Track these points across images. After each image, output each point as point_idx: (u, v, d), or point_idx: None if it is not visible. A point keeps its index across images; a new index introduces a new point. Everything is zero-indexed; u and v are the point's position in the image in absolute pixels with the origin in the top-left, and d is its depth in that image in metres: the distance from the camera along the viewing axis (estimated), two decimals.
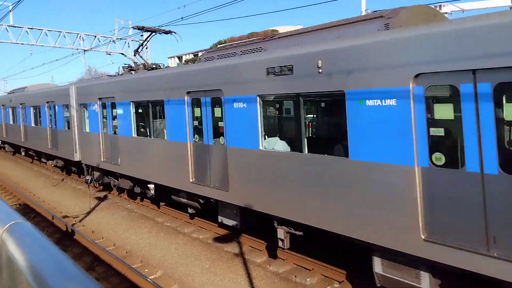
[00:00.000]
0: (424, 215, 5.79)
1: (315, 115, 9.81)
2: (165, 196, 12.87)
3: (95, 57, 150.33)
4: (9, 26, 24.59)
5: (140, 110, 13.18)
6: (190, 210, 11.60)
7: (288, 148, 8.31)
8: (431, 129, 5.74)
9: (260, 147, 8.40)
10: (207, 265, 9.34)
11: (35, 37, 25.65)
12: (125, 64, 15.83)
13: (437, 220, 5.66)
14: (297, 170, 7.65)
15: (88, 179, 15.23)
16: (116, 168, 14.18)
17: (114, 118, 14.09)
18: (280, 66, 7.75)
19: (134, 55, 14.74)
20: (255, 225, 9.74)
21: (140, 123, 13.30)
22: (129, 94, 12.93)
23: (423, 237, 5.79)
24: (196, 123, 10.40)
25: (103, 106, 14.73)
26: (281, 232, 8.46)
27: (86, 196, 15.79)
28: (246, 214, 9.38)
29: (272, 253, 9.57)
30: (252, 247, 10.14)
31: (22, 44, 25.70)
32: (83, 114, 16.54)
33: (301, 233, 8.14)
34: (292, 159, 7.78)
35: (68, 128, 17.87)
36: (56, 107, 19.01)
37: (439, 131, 5.76)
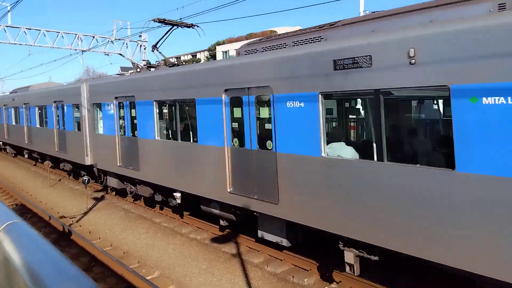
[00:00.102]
0: None
1: (399, 116, 8.09)
2: (191, 205, 11.84)
3: (93, 58, 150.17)
4: (7, 26, 24.53)
5: (165, 110, 12.09)
6: (222, 222, 10.37)
7: (356, 155, 7.07)
8: None
9: (322, 154, 7.11)
10: (205, 265, 9.34)
11: (33, 37, 25.55)
12: (138, 63, 15.46)
13: None
14: (375, 182, 6.39)
15: (86, 179, 15.08)
16: (135, 174, 12.85)
17: (133, 119, 12.83)
18: (353, 58, 6.51)
19: (152, 50, 13.31)
20: (305, 242, 8.82)
21: (165, 125, 12.13)
22: (152, 93, 11.61)
23: None
24: (235, 125, 9.19)
25: (120, 106, 13.46)
26: (349, 256, 7.16)
27: (83, 196, 15.75)
28: (295, 229, 8.37)
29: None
30: (249, 247, 10.14)
31: (20, 44, 25.62)
32: (96, 114, 15.27)
33: (376, 257, 6.87)
34: (371, 168, 6.45)
35: (79, 129, 16.56)
36: (65, 107, 17.73)
37: None
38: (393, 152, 6.45)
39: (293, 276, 8.47)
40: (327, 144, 7.22)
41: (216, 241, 10.71)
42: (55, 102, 18.83)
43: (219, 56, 57.05)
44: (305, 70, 7.31)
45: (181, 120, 10.99)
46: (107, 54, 28.48)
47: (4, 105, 28.24)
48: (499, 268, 5.06)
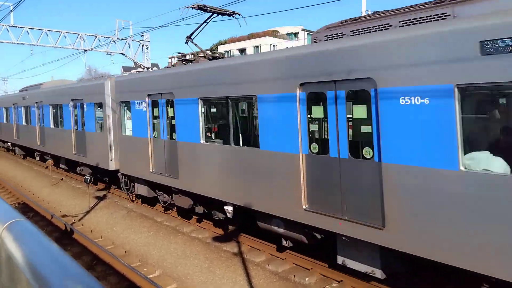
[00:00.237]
0: None
1: None
2: (242, 220, 10.28)
3: (95, 57, 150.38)
4: (9, 26, 24.57)
5: (213, 110, 10.56)
6: (285, 243, 8.82)
7: (508, 169, 5.29)
8: None
9: (460, 167, 5.50)
10: (206, 264, 9.36)
11: (35, 37, 25.66)
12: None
13: None
14: None
15: (88, 178, 15.08)
16: (173, 182, 11.23)
17: (170, 119, 11.36)
18: None
19: (186, 42, 11.84)
20: (401, 271, 7.61)
21: (213, 126, 10.67)
22: (197, 89, 10.00)
23: None
24: (314, 127, 7.84)
25: (154, 105, 11.92)
26: None
27: (86, 195, 15.79)
28: (392, 258, 6.91)
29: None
30: (251, 246, 10.16)
31: (23, 44, 25.64)
32: (123, 114, 13.65)
33: None
34: None
35: (101, 130, 15.19)
36: (85, 106, 16.13)
37: None
38: None
39: (294, 275, 8.48)
40: (464, 154, 5.56)
41: (217, 240, 10.73)
42: (72, 100, 17.34)
43: None
44: (428, 56, 5.71)
45: (236, 121, 9.43)
46: (109, 54, 28.49)
47: (13, 104, 26.71)
48: None
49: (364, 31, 7.18)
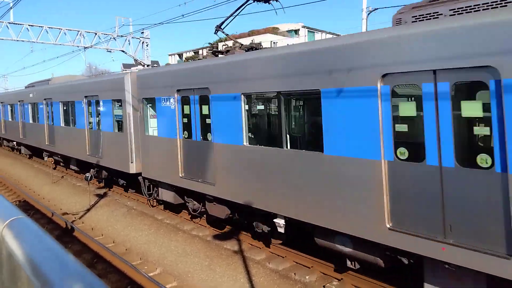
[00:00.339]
0: None
1: None
2: (294, 235, 9.05)
3: (95, 55, 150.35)
4: (9, 23, 24.53)
5: (259, 107, 9.42)
6: (350, 264, 7.55)
7: None
8: None
9: None
10: (207, 262, 9.37)
11: (35, 34, 25.53)
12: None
13: None
14: None
15: (88, 176, 15.05)
16: (208, 189, 9.91)
17: (204, 117, 10.08)
18: None
19: (216, 32, 10.84)
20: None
21: (259, 126, 9.67)
22: (239, 84, 8.81)
23: None
24: (401, 127, 6.22)
25: (185, 101, 10.60)
26: None
27: (86, 193, 15.80)
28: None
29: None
30: (251, 244, 10.16)
31: (23, 41, 25.58)
32: (146, 112, 12.39)
33: None
34: None
35: (120, 130, 13.86)
36: (101, 103, 14.79)
37: None
38: None
39: (294, 273, 8.48)
40: None
41: (218, 238, 10.73)
42: (86, 97, 15.92)
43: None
44: None
45: (290, 119, 8.37)
46: (109, 51, 28.45)
47: (19, 101, 25.13)
48: None
49: (471, 9, 5.82)
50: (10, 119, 28.19)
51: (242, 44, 10.43)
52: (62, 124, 18.66)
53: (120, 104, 13.70)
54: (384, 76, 6.18)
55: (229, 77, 9.07)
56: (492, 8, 5.57)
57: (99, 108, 15.09)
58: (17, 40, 25.15)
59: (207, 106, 9.88)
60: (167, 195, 12.11)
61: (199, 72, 10.05)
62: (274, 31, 55.45)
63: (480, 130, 5.61)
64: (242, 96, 8.76)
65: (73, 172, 20.45)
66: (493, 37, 5.05)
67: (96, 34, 27.48)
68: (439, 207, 5.70)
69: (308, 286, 8.06)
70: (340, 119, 6.83)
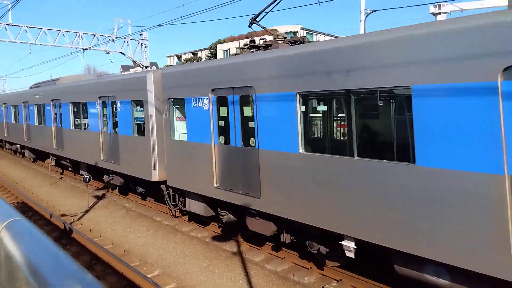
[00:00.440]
0: None
1: None
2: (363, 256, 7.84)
3: (94, 56, 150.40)
4: (8, 24, 24.55)
5: (319, 108, 8.49)
6: None
7: None
8: None
9: None
10: (205, 263, 9.36)
11: (34, 36, 25.57)
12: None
13: None
14: None
15: (87, 177, 15.02)
16: (252, 203, 8.70)
17: (246, 120, 8.98)
18: None
19: (250, 25, 10.00)
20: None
21: (317, 130, 8.74)
22: (294, 81, 7.58)
23: None
24: None
25: (221, 102, 9.51)
26: None
27: (84, 194, 15.78)
28: None
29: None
30: (250, 245, 10.16)
31: (21, 42, 25.64)
32: (172, 114, 11.19)
33: None
34: None
35: (141, 134, 12.63)
36: (118, 105, 13.51)
37: None
38: None
39: (293, 275, 8.48)
40: None
41: (216, 239, 10.73)
42: (101, 98, 14.74)
43: (220, 55, 56.91)
44: None
45: (363, 123, 7.23)
46: (108, 53, 28.50)
47: (24, 102, 23.79)
48: None
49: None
50: (13, 121, 26.78)
51: (285, 37, 9.27)
52: (72, 127, 17.41)
53: (141, 105, 12.45)
54: (506, 69, 4.87)
55: (280, 74, 7.89)
56: None
57: (116, 110, 13.81)
58: (16, 42, 25.17)
59: (249, 107, 8.83)
60: (196, 207, 10.93)
61: (240, 68, 8.83)
62: (273, 33, 55.50)
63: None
64: (298, 95, 7.52)
65: (72, 174, 20.41)
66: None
67: (94, 35, 27.50)
68: None
69: (307, 287, 8.06)
70: (442, 122, 5.52)
